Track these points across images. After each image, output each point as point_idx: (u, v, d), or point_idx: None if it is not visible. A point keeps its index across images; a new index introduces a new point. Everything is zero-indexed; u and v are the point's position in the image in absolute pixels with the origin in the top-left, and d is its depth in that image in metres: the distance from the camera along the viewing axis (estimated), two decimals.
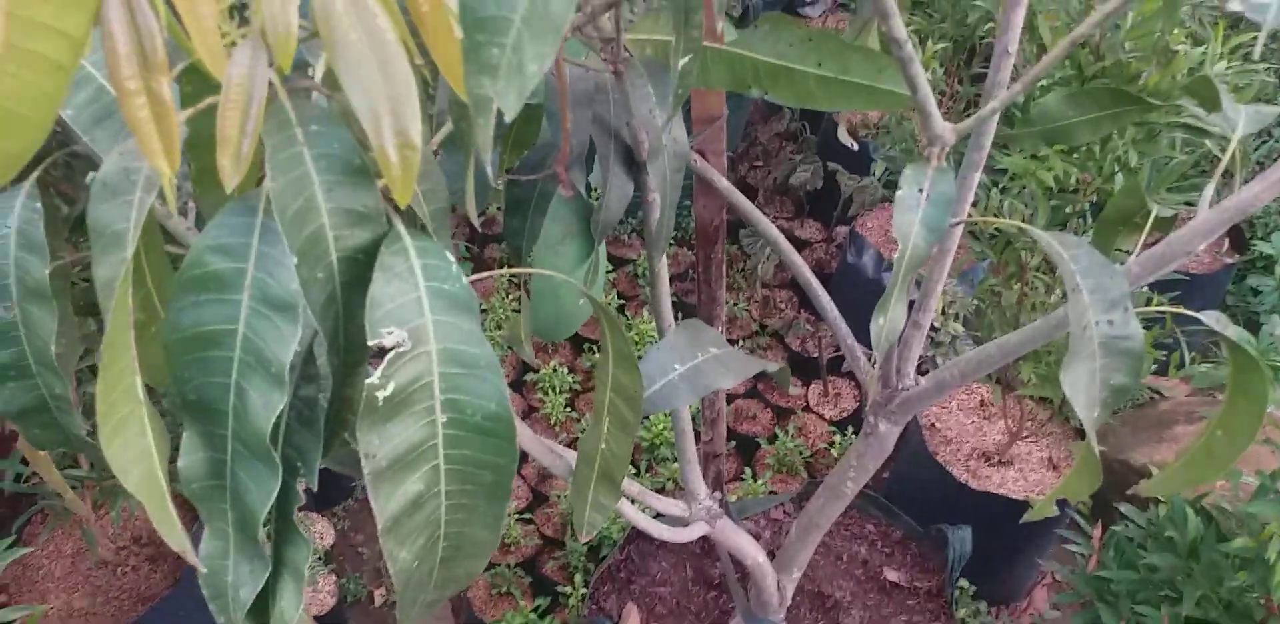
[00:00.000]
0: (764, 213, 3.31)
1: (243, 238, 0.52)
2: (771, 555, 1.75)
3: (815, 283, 1.21)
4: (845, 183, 2.69)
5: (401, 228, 0.56)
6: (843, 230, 3.05)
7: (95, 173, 0.76)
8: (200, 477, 0.56)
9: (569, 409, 2.60)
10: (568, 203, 1.02)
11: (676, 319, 1.07)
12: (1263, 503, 1.48)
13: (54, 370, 0.76)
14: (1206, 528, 1.58)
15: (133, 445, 0.53)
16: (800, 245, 3.03)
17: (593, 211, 1.02)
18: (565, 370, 2.67)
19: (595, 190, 1.03)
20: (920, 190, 0.68)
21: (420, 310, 0.54)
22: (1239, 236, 2.84)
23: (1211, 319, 0.93)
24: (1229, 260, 2.78)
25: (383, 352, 0.53)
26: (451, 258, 0.56)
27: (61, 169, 1.10)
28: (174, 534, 0.54)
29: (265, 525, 0.57)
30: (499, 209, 3.02)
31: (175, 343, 0.53)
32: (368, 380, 0.52)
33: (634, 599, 1.70)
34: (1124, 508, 1.78)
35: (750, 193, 3.11)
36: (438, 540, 0.59)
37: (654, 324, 2.73)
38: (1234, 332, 0.92)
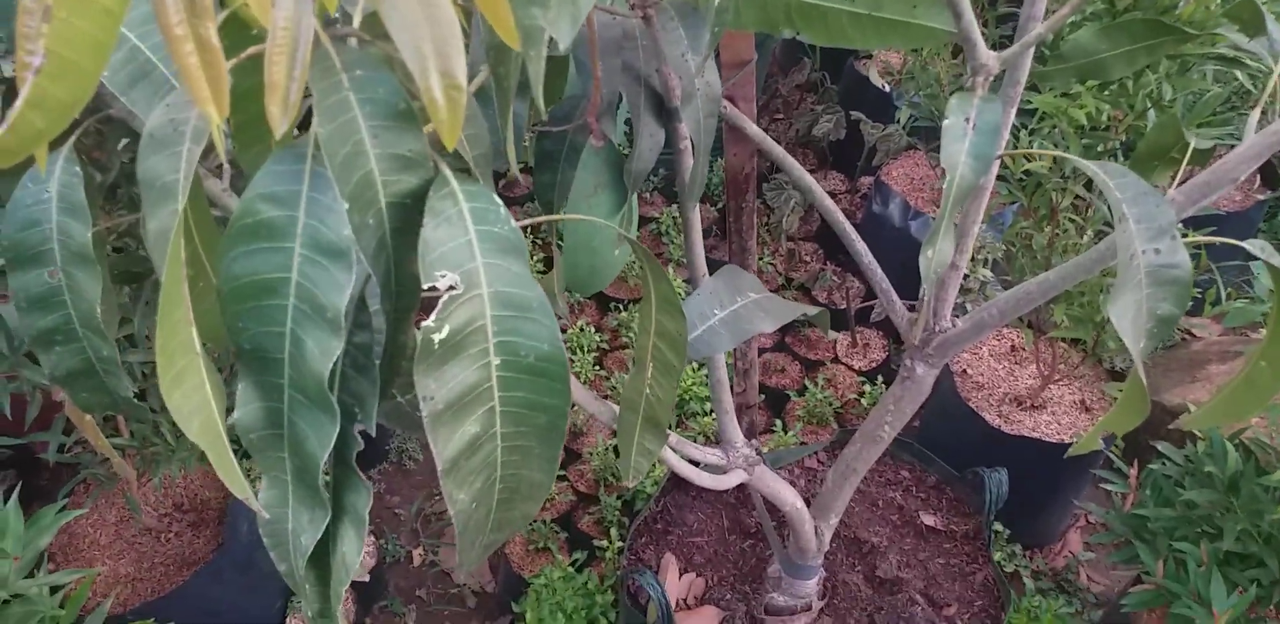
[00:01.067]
0: None
1: (293, 185, 0.52)
2: (808, 503, 1.76)
3: (849, 227, 1.20)
4: (868, 132, 2.67)
5: (449, 172, 0.55)
6: (867, 181, 3.02)
7: (127, 138, 0.76)
8: (258, 426, 0.57)
9: (598, 367, 2.61)
10: (598, 154, 1.01)
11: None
12: None
13: (100, 333, 0.77)
14: (1246, 462, 1.58)
15: (192, 395, 0.54)
16: None
17: (623, 162, 1.02)
18: (593, 329, 2.68)
19: (621, 144, 1.03)
20: (967, 120, 0.67)
21: (471, 254, 0.54)
22: (1271, 173, 2.81)
23: (1256, 247, 0.92)
24: (1261, 197, 2.75)
25: (435, 295, 0.53)
26: (498, 201, 0.56)
27: (93, 137, 1.10)
28: (236, 480, 0.55)
29: (324, 473, 0.58)
30: (522, 170, 3.01)
31: (229, 293, 0.54)
32: (424, 324, 0.52)
33: (671, 550, 1.71)
34: (1161, 446, 1.78)
35: None
36: (494, 482, 0.60)
37: (680, 280, 2.72)
38: (1279, 259, 0.91)
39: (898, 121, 2.61)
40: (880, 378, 2.55)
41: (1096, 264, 1.02)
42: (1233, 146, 0.91)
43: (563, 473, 2.37)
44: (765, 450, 1.97)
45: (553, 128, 1.01)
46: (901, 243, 2.57)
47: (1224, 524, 1.55)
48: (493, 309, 0.55)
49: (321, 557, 0.61)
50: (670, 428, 2.52)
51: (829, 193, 3.03)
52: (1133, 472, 1.83)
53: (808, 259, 2.85)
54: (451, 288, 0.53)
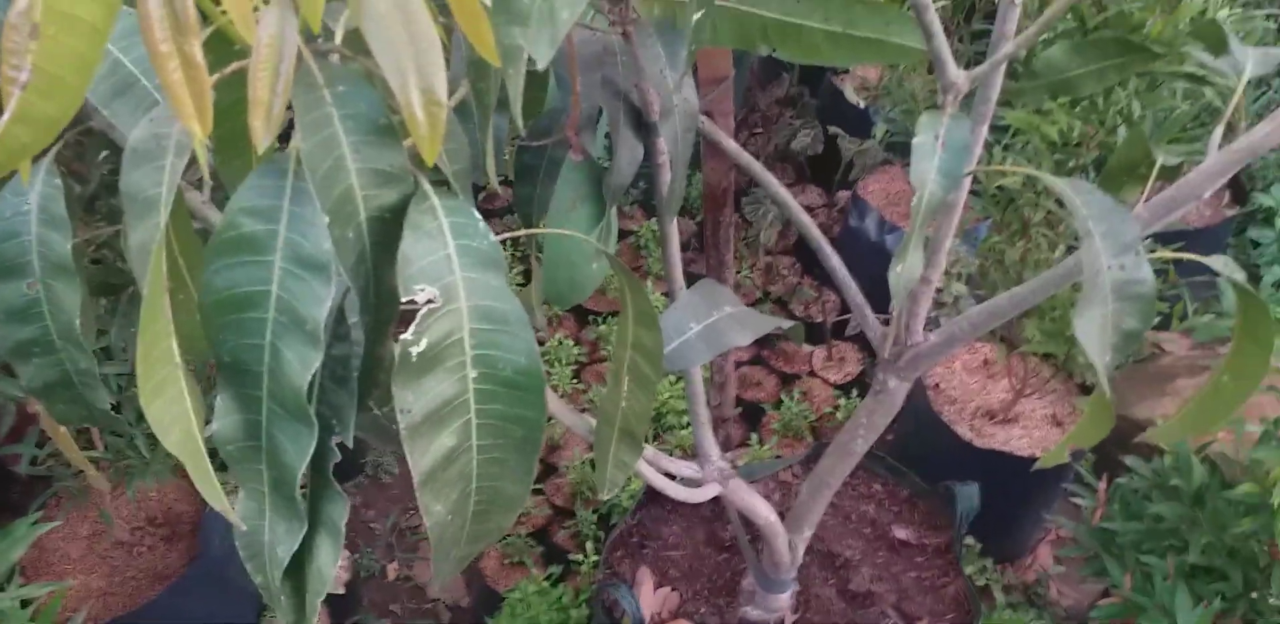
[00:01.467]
0: None
1: (274, 200, 0.53)
2: (781, 516, 1.77)
3: (824, 242, 1.22)
4: (846, 147, 2.69)
5: (428, 187, 0.56)
6: (844, 195, 3.05)
7: (107, 151, 0.76)
8: (236, 438, 0.58)
9: (575, 380, 2.62)
10: (578, 168, 1.02)
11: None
12: (1267, 449, 1.50)
13: (79, 345, 0.77)
14: (1211, 476, 1.61)
15: (172, 406, 0.54)
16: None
17: (603, 176, 1.03)
18: (571, 342, 2.69)
19: (600, 158, 1.04)
20: (936, 137, 0.68)
21: (450, 267, 0.55)
22: (1239, 189, 2.85)
23: (1219, 263, 0.93)
24: (1229, 213, 2.79)
25: (413, 309, 0.54)
26: (478, 216, 0.57)
27: (73, 149, 1.10)
28: (213, 492, 0.55)
29: (301, 485, 0.58)
30: (502, 183, 3.01)
31: (210, 306, 0.54)
32: (402, 337, 0.53)
33: (647, 563, 1.72)
34: (1129, 460, 1.80)
35: None
36: (470, 494, 0.60)
37: (659, 294, 2.74)
38: (1241, 275, 0.93)
39: (874, 137, 2.64)
40: (855, 391, 2.57)
41: (1065, 278, 1.04)
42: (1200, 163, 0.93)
43: (539, 487, 2.37)
44: (741, 464, 1.98)
45: (533, 142, 1.02)
46: (877, 256, 2.59)
47: (1190, 537, 1.57)
48: (471, 322, 0.55)
49: (297, 568, 0.62)
50: (647, 441, 2.53)
51: (807, 207, 3.05)
52: (1102, 485, 1.85)
53: (785, 273, 2.87)
54: (430, 302, 0.54)
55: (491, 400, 0.57)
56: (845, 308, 2.74)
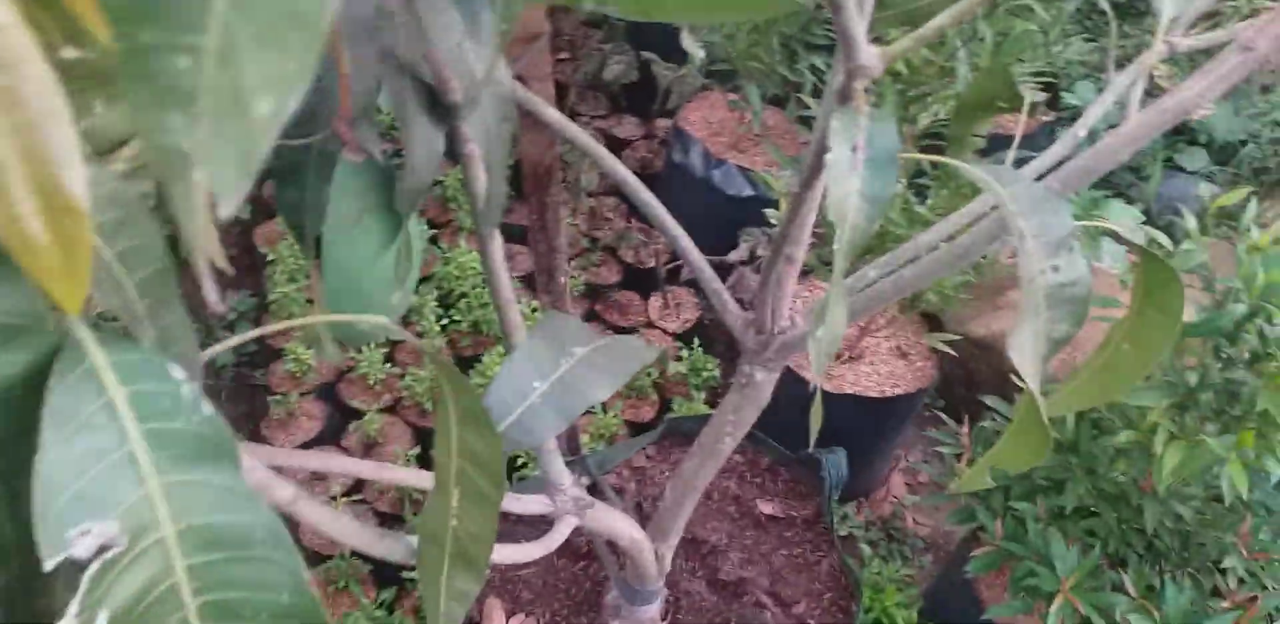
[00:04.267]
0: (576, 113, 3.00)
1: None
2: (639, 508, 1.61)
3: (664, 213, 1.02)
4: (662, 74, 2.48)
5: (85, 333, 0.33)
6: (664, 124, 2.84)
7: None
8: None
9: (389, 364, 2.23)
10: (357, 171, 0.77)
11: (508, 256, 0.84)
12: (1145, 392, 1.42)
13: None
14: (1080, 423, 1.54)
15: None
16: (620, 145, 2.80)
17: (393, 177, 0.79)
18: None
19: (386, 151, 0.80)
20: (854, 149, 0.49)
21: (136, 474, 0.32)
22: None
23: (1126, 230, 0.81)
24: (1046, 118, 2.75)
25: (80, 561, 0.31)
26: (180, 372, 0.33)
27: None
28: None
29: None
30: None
31: None
32: None
33: (494, 589, 1.51)
34: (989, 401, 1.72)
35: (560, 91, 2.84)
36: None
37: (476, 256, 2.44)
38: (1142, 236, 0.81)
39: (692, 63, 2.43)
40: (696, 340, 2.40)
41: (958, 260, 0.90)
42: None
43: (361, 497, 2.07)
44: (586, 449, 1.80)
45: (290, 140, 0.77)
46: (705, 194, 2.42)
47: (1064, 482, 1.52)
48: (187, 556, 0.33)
49: None
50: None
51: (624, 139, 2.83)
52: (964, 430, 1.78)
53: (610, 216, 2.65)
54: (104, 546, 0.31)
55: None
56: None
